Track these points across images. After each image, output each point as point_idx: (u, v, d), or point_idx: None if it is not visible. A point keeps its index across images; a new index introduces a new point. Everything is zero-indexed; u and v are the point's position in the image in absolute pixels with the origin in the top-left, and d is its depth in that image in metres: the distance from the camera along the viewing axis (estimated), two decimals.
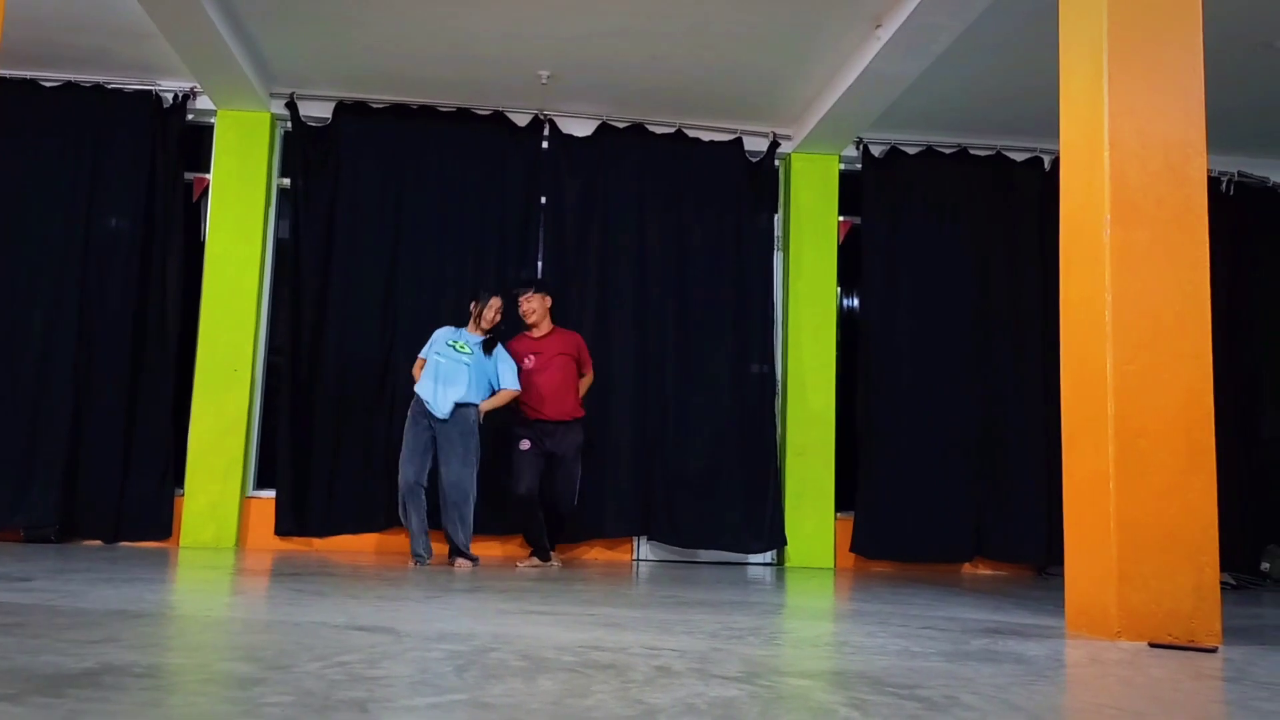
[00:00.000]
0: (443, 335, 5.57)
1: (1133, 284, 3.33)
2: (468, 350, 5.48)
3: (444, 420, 5.37)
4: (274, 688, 1.76)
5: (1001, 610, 4.03)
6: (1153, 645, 3.03)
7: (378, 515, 6.18)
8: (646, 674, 2.08)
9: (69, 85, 6.39)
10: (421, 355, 5.58)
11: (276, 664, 2.01)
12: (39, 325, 6.12)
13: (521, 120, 6.67)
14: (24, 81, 6.31)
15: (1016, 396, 6.67)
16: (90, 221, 6.26)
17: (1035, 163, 6.92)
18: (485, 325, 5.55)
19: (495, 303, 5.57)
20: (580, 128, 6.73)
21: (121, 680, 1.79)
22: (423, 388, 5.42)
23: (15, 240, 6.13)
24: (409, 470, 5.35)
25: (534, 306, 5.71)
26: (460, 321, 5.72)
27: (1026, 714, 1.83)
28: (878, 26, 5.27)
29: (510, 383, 5.52)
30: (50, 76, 6.37)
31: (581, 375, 5.83)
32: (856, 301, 7.02)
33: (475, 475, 5.41)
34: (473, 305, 5.61)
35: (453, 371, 5.41)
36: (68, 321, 6.12)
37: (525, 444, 5.50)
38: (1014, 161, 6.94)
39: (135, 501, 6.05)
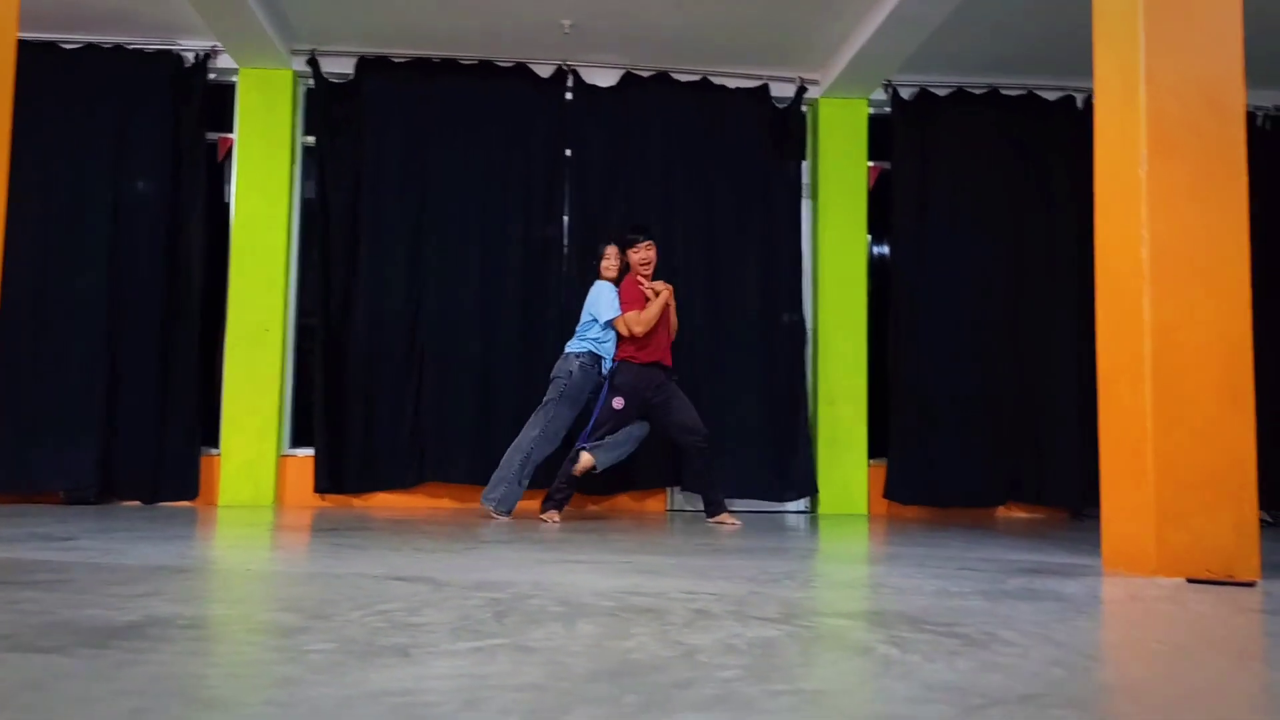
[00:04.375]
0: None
1: (1170, 221, 3.26)
2: None
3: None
4: (317, 636, 1.78)
5: (1038, 551, 4.02)
6: (1191, 581, 3.02)
7: (409, 473, 6.25)
8: (685, 617, 2.09)
9: (89, 47, 6.38)
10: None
11: (318, 614, 2.03)
12: (70, 288, 6.12)
13: (545, 72, 6.60)
14: (43, 44, 6.28)
15: (1049, 340, 6.60)
16: (116, 183, 6.25)
17: (1068, 101, 6.78)
18: (614, 275, 5.56)
19: (611, 250, 5.58)
20: (604, 78, 6.66)
21: (166, 631, 1.82)
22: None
23: (41, 203, 6.10)
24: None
25: (654, 255, 5.55)
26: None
27: (1067, 649, 1.82)
28: None
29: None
30: (69, 38, 6.36)
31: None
32: (887, 248, 6.94)
33: None
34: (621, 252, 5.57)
35: None
36: (98, 284, 6.13)
37: (619, 402, 5.32)
38: (1046, 101, 6.80)
39: (170, 462, 6.13)
